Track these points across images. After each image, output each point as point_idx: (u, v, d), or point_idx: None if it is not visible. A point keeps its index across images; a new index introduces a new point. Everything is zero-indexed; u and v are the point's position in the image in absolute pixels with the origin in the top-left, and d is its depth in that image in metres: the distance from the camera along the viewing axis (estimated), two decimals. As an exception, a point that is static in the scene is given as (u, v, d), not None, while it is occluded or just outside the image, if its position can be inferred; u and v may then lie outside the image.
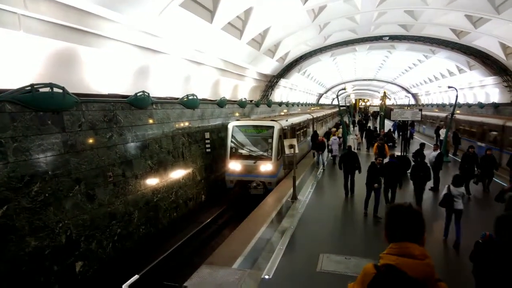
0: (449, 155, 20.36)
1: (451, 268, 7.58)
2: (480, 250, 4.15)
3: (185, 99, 15.74)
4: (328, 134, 24.26)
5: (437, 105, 47.11)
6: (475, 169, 13.09)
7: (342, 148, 21.16)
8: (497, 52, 23.83)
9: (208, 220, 14.04)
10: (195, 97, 16.25)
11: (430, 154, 14.08)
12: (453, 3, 17.27)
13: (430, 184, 12.81)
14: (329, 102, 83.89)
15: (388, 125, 34.18)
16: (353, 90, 72.15)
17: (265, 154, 15.34)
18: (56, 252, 8.52)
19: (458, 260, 7.82)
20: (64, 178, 8.90)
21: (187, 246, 12.06)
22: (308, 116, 25.86)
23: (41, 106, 8.29)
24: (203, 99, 18.03)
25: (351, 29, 24.39)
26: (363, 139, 27.88)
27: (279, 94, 36.59)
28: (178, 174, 14.60)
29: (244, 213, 11.74)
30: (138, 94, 12.21)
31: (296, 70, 33.39)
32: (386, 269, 2.07)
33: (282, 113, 33.35)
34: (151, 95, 12.87)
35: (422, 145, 14.33)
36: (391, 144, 23.66)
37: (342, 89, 30.00)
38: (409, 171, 13.09)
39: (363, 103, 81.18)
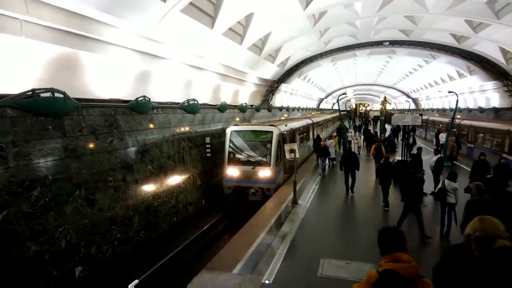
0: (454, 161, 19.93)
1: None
2: None
3: (186, 104, 15.77)
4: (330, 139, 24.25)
5: (438, 110, 47.14)
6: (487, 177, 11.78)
7: (343, 150, 21.42)
8: (497, 57, 23.89)
9: (208, 225, 14.01)
10: (196, 102, 16.29)
11: (431, 159, 14.08)
12: (453, 9, 17.33)
13: (431, 188, 12.79)
14: (330, 107, 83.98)
15: (388, 129, 34.13)
16: (354, 95, 72.14)
17: (264, 159, 15.01)
18: (56, 256, 8.51)
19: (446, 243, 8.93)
20: (64, 182, 8.90)
21: (187, 251, 12.03)
22: (308, 121, 25.46)
23: (42, 111, 8.32)
24: (204, 104, 18.07)
25: (351, 34, 24.48)
26: (363, 142, 28.16)
27: (280, 99, 36.66)
28: (178, 178, 14.61)
29: (244, 218, 11.69)
30: (139, 99, 12.24)
31: (296, 75, 33.47)
32: (385, 272, 2.78)
33: (283, 118, 33.37)
34: (152, 100, 12.90)
35: (419, 149, 14.43)
36: (389, 149, 23.66)
37: (343, 94, 29.99)
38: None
39: (364, 108, 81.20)
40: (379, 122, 37.15)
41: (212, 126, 18.43)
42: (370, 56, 34.14)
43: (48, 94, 8.43)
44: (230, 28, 16.08)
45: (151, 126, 13.09)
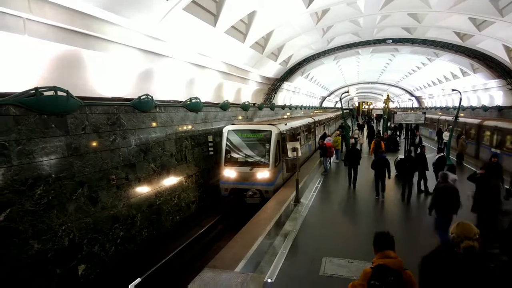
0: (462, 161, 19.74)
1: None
2: None
3: (189, 102, 15.76)
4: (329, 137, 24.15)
5: (441, 108, 46.96)
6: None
7: (346, 148, 21.42)
8: (501, 55, 23.73)
9: (211, 224, 14.03)
10: (198, 100, 16.28)
11: (434, 157, 14.06)
12: (457, 6, 17.23)
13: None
14: (332, 105, 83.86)
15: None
16: (356, 93, 72.10)
17: (262, 160, 14.46)
18: (59, 255, 8.54)
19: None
20: (67, 181, 8.93)
21: (190, 249, 12.05)
22: (310, 120, 24.78)
23: (45, 109, 8.34)
24: (206, 102, 18.06)
25: (354, 32, 24.40)
26: (365, 139, 28.29)
27: (282, 97, 36.61)
28: (181, 177, 14.61)
29: (247, 217, 11.66)
30: (141, 97, 12.24)
31: (299, 73, 33.41)
32: (378, 266, 3.60)
33: (285, 116, 33.32)
34: (154, 98, 12.90)
35: (422, 147, 14.41)
36: (392, 147, 23.59)
37: (345, 92, 29.85)
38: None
39: (366, 106, 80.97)
40: (382, 121, 37.02)
41: (214, 125, 18.41)
42: (373, 54, 34.03)
43: (51, 93, 8.44)
44: (232, 26, 16.05)
45: (154, 124, 13.10)
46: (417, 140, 21.18)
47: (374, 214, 11.74)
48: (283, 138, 15.25)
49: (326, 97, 70.40)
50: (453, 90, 24.47)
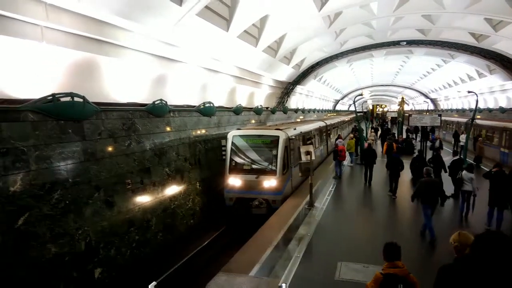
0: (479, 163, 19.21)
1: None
2: None
3: (202, 106, 15.87)
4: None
5: (457, 111, 46.24)
6: None
7: (360, 150, 21.77)
8: (519, 55, 23.30)
9: (224, 228, 14.03)
10: (211, 104, 16.37)
11: (450, 160, 13.81)
12: (472, 7, 16.98)
13: (451, 191, 12.67)
14: (346, 108, 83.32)
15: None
16: (370, 96, 71.44)
17: (269, 167, 13.52)
18: (76, 258, 8.65)
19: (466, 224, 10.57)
20: (84, 185, 9.06)
21: (204, 254, 12.08)
22: (321, 124, 23.44)
23: (62, 115, 8.49)
24: (220, 107, 18.16)
25: (367, 35, 24.27)
26: (378, 140, 28.25)
27: (295, 100, 36.58)
28: (195, 181, 14.68)
29: (260, 221, 11.59)
30: (156, 102, 12.38)
31: (312, 76, 33.36)
32: (387, 275, 4.19)
33: (298, 120, 33.22)
34: (168, 103, 13.03)
35: (438, 149, 14.31)
36: (408, 150, 23.21)
37: (359, 95, 29.63)
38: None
39: (381, 109, 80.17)
40: (397, 124, 36.63)
41: (227, 129, 18.47)
42: (386, 56, 33.81)
43: (68, 99, 8.60)
44: (245, 31, 16.15)
45: (168, 129, 13.22)
46: (437, 144, 20.66)
47: (388, 218, 11.63)
48: (291, 144, 14.49)
49: (339, 100, 70.07)
50: (469, 92, 24.06)
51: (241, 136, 14.22)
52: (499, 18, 18.14)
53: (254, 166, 13.80)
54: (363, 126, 30.13)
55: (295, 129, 16.12)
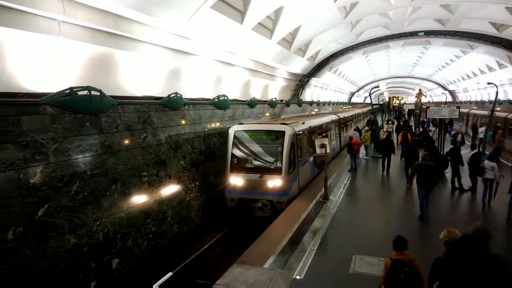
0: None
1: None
2: None
3: (216, 99, 15.90)
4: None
5: (476, 102, 45.16)
6: None
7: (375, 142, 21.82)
8: (542, 45, 22.52)
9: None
10: (226, 97, 16.39)
11: (470, 154, 13.52)
12: (493, -5, 16.49)
13: (468, 183, 12.86)
14: (362, 101, 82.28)
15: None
16: (387, 88, 70.29)
17: (274, 166, 12.40)
18: (94, 249, 8.84)
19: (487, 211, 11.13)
20: (101, 177, 9.22)
21: (219, 245, 12.18)
22: (333, 117, 21.80)
23: (80, 108, 8.64)
24: (234, 100, 18.16)
25: (384, 26, 23.80)
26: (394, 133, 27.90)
27: (310, 93, 36.30)
28: (210, 173, 14.76)
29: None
30: (171, 96, 12.46)
31: (327, 68, 33.00)
32: (395, 260, 4.88)
33: (313, 113, 32.98)
34: (183, 96, 13.10)
35: (456, 142, 14.02)
36: (425, 144, 22.76)
37: (375, 87, 29.15)
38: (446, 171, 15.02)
39: (397, 101, 78.84)
40: (413, 116, 35.99)
41: (242, 122, 18.48)
42: (404, 47, 33.12)
43: (85, 92, 8.73)
44: (259, 23, 16.02)
45: (183, 122, 13.30)
46: (459, 138, 19.99)
47: (403, 210, 11.54)
48: (299, 139, 13.38)
49: (354, 93, 69.20)
50: (488, 83, 23.39)
51: (243, 131, 13.12)
52: (522, 6, 17.56)
53: (257, 164, 12.73)
54: (378, 118, 29.69)
55: (303, 123, 14.94)
